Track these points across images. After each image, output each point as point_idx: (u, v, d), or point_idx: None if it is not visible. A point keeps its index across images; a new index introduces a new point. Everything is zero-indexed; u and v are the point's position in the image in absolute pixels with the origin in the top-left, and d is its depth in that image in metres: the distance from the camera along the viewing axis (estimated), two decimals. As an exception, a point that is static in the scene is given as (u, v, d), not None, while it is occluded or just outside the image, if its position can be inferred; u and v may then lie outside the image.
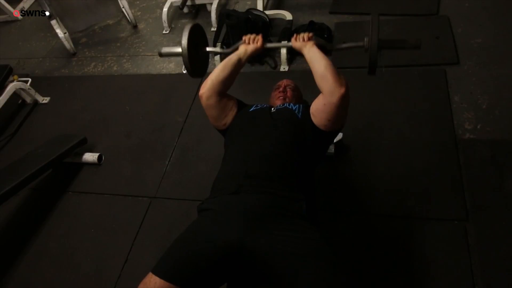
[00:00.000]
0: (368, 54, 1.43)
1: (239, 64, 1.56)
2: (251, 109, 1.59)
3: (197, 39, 1.66)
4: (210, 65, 1.82)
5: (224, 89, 1.55)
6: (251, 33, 1.63)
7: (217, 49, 1.76)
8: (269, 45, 1.65)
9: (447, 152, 2.00)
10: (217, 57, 2.84)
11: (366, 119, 2.25)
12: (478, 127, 2.09)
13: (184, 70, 1.61)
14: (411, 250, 1.70)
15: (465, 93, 2.27)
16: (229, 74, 1.54)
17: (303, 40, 1.53)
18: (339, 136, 2.06)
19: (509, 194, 1.78)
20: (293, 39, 1.57)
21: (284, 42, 1.64)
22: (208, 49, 1.73)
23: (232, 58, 1.56)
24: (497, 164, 1.90)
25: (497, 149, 1.97)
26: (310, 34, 1.54)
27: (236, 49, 1.62)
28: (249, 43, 1.60)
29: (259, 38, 1.60)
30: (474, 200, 1.80)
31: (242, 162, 1.40)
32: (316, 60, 1.45)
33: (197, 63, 1.66)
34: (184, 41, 1.54)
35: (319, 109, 1.42)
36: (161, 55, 1.68)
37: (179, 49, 1.57)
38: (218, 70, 1.54)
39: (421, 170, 1.97)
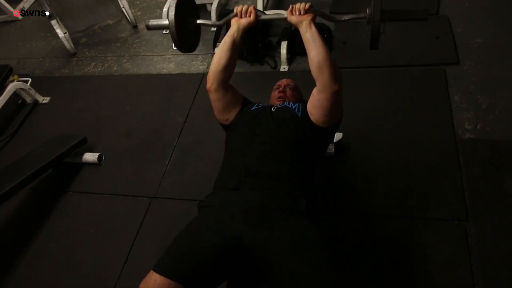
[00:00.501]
0: (370, 26, 1.34)
1: (234, 45, 1.49)
2: (253, 108, 1.59)
3: (187, 11, 1.55)
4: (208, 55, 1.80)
5: (227, 76, 1.52)
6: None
7: (208, 21, 1.66)
8: (263, 17, 1.53)
9: (447, 152, 2.00)
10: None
11: (366, 119, 2.25)
12: (478, 127, 2.09)
13: (174, 46, 1.54)
14: (411, 250, 1.70)
15: (465, 93, 2.27)
16: (228, 59, 1.49)
17: (300, 13, 1.40)
18: (339, 136, 2.06)
19: (509, 194, 1.78)
20: (288, 12, 1.43)
21: (279, 14, 1.50)
22: (199, 21, 1.61)
23: (226, 41, 1.49)
24: (497, 164, 1.90)
25: (497, 149, 1.97)
26: (307, 5, 1.40)
27: (229, 21, 1.53)
28: (241, 16, 1.49)
29: (252, 9, 1.47)
30: (474, 200, 1.80)
31: (242, 159, 1.41)
32: (314, 46, 1.37)
33: (187, 36, 1.57)
34: (171, 13, 1.43)
35: (315, 105, 1.43)
36: (148, 27, 1.58)
37: (166, 22, 1.47)
38: (216, 59, 1.51)
39: (421, 170, 1.97)
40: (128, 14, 3.49)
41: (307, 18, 1.40)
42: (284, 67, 2.74)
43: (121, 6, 3.43)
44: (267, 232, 1.20)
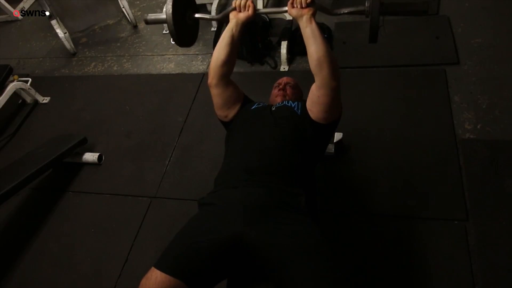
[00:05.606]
0: (369, 20, 1.32)
1: (233, 40, 1.49)
2: (253, 107, 1.60)
3: (185, 5, 1.55)
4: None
5: (227, 71, 1.52)
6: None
7: (206, 15, 1.65)
8: (261, 10, 1.51)
9: (447, 152, 2.00)
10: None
11: (366, 119, 2.25)
12: (478, 127, 2.09)
13: (172, 41, 1.53)
14: (411, 250, 1.70)
15: (465, 93, 2.27)
16: (227, 54, 1.48)
17: (301, 6, 1.38)
18: (339, 136, 2.06)
19: (509, 194, 1.78)
20: (289, 4, 1.41)
21: (279, 8, 1.48)
22: (197, 15, 1.60)
23: (225, 36, 1.49)
24: (497, 164, 1.90)
25: (497, 149, 1.97)
26: None
27: (227, 14, 1.52)
28: (239, 10, 1.48)
29: (250, 3, 1.47)
30: (474, 200, 1.80)
31: (242, 157, 1.42)
32: (315, 41, 1.36)
33: (185, 31, 1.56)
34: (169, 7, 1.42)
35: (314, 101, 1.43)
36: (147, 22, 1.57)
37: (164, 16, 1.46)
38: (215, 54, 1.51)
39: (421, 170, 1.97)
40: (128, 14, 3.49)
41: (308, 12, 1.38)
42: (284, 67, 2.74)
43: (121, 6, 3.43)
44: (267, 229, 1.20)
